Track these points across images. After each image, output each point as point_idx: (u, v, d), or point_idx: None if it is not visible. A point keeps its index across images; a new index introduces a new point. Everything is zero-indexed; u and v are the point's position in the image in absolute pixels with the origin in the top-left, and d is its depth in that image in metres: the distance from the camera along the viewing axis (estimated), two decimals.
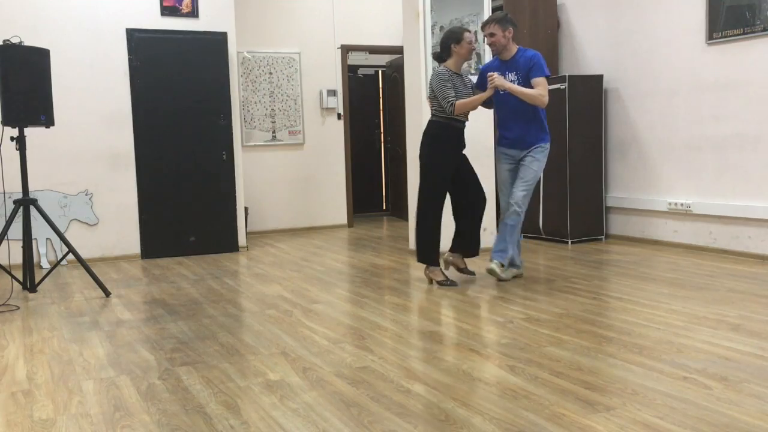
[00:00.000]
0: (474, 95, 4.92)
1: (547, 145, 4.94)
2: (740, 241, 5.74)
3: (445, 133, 4.87)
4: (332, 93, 8.50)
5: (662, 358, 3.16)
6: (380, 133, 10.32)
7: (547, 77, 4.79)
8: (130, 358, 3.48)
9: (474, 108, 4.88)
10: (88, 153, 6.58)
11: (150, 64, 6.68)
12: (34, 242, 6.40)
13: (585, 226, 6.78)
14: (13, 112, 4.77)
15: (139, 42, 6.65)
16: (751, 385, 2.79)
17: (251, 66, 8.16)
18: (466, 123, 5.01)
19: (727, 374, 2.93)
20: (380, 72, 10.26)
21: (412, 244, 6.47)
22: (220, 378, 3.11)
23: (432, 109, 4.92)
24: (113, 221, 6.69)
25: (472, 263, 5.50)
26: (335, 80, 8.59)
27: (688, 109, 6.13)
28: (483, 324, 3.89)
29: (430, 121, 4.94)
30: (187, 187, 6.83)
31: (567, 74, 6.67)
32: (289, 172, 8.43)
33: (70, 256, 6.49)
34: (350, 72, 9.74)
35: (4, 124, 4.78)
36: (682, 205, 6.21)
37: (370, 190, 10.30)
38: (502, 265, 4.90)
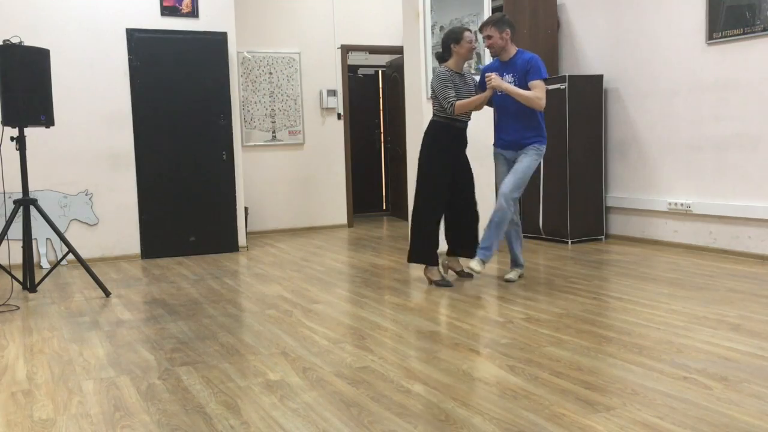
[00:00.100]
0: (476, 95, 4.93)
1: (543, 148, 4.91)
2: (740, 241, 5.75)
3: (446, 134, 4.89)
4: (332, 93, 8.50)
5: (662, 358, 3.16)
6: (380, 133, 10.32)
7: (544, 80, 4.78)
8: (130, 358, 3.48)
9: (474, 108, 4.89)
10: (88, 153, 6.58)
11: (150, 64, 6.68)
12: (34, 242, 6.40)
13: (585, 226, 6.78)
14: (13, 112, 4.77)
15: (139, 42, 6.65)
16: (751, 385, 2.79)
17: (251, 66, 8.16)
18: (468, 122, 5.02)
19: (727, 374, 2.93)
20: (380, 72, 10.26)
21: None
22: (220, 378, 3.11)
23: (433, 109, 4.95)
24: (113, 221, 6.69)
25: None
26: (335, 80, 8.59)
27: (688, 109, 6.13)
28: (483, 324, 3.89)
29: (431, 122, 4.96)
30: (187, 187, 6.83)
31: (567, 74, 6.67)
32: (289, 172, 8.43)
33: (70, 256, 6.49)
34: (350, 72, 9.75)
35: (4, 124, 4.78)
36: (682, 205, 6.21)
37: (370, 190, 10.30)
38: (483, 263, 4.87)
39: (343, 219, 8.74)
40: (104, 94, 6.60)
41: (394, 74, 9.43)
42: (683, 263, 5.52)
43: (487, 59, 6.04)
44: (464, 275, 5.20)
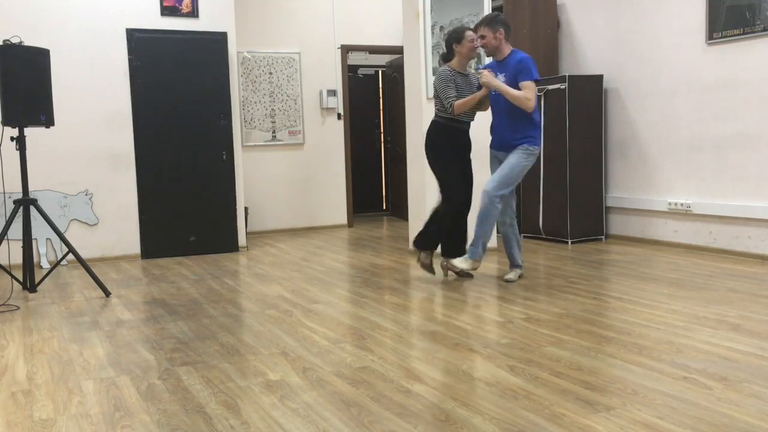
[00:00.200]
0: None
1: (533, 149, 4.82)
2: (740, 241, 5.75)
3: (446, 134, 4.93)
4: (332, 93, 8.50)
5: (662, 358, 3.16)
6: (380, 133, 10.32)
7: (535, 81, 4.74)
8: (130, 358, 3.48)
9: (473, 108, 4.90)
10: (88, 153, 6.58)
11: (150, 64, 6.68)
12: (34, 242, 6.40)
13: (585, 226, 6.78)
14: (13, 112, 4.77)
15: (139, 42, 6.65)
16: (751, 385, 2.79)
17: (251, 66, 8.16)
18: (470, 124, 5.04)
19: (727, 374, 2.93)
20: (380, 72, 10.26)
21: (412, 244, 6.47)
22: (220, 378, 3.11)
23: (435, 109, 5.00)
24: (113, 221, 6.69)
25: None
26: (335, 80, 8.59)
27: (688, 109, 6.14)
28: (483, 324, 3.89)
29: (432, 122, 5.02)
30: (187, 187, 6.84)
31: (567, 74, 6.67)
32: (289, 172, 8.43)
33: (70, 256, 6.49)
34: (350, 72, 9.75)
35: (4, 124, 4.78)
36: (682, 205, 6.21)
37: (370, 190, 10.31)
38: (472, 261, 4.87)
39: (343, 219, 8.74)
40: (104, 94, 6.61)
41: (394, 74, 9.43)
42: (683, 263, 5.52)
43: (488, 59, 6.04)
44: (464, 275, 5.20)
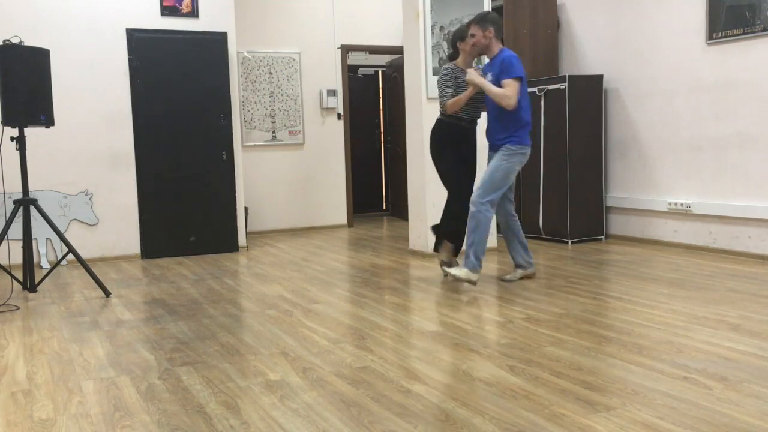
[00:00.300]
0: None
1: (515, 148, 4.74)
2: (740, 241, 5.75)
3: (449, 132, 4.97)
4: (332, 93, 8.50)
5: (662, 358, 3.16)
6: (380, 133, 10.32)
7: (518, 79, 4.65)
8: (130, 358, 3.48)
9: (462, 105, 4.89)
10: (88, 153, 6.58)
11: (150, 64, 6.68)
12: (34, 242, 6.40)
13: (585, 226, 6.78)
14: (13, 112, 4.77)
15: (139, 42, 6.65)
16: (751, 385, 2.79)
17: (251, 66, 8.16)
18: (474, 122, 5.06)
19: (727, 374, 2.93)
20: (380, 72, 10.26)
21: (412, 244, 6.48)
22: (220, 378, 3.11)
23: (439, 108, 5.07)
24: (113, 221, 6.69)
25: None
26: (335, 80, 8.59)
27: (688, 109, 6.14)
28: (483, 324, 3.89)
29: (436, 120, 5.12)
30: (187, 187, 6.84)
31: (567, 74, 6.67)
32: (289, 172, 8.43)
33: (70, 256, 6.49)
34: (350, 72, 9.75)
35: (4, 124, 4.78)
36: (682, 205, 6.21)
37: (370, 190, 10.31)
38: (469, 271, 4.73)
39: (343, 219, 8.74)
40: (104, 94, 6.61)
41: (394, 74, 9.43)
42: (683, 263, 5.52)
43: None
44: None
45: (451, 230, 5.11)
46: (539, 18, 7.27)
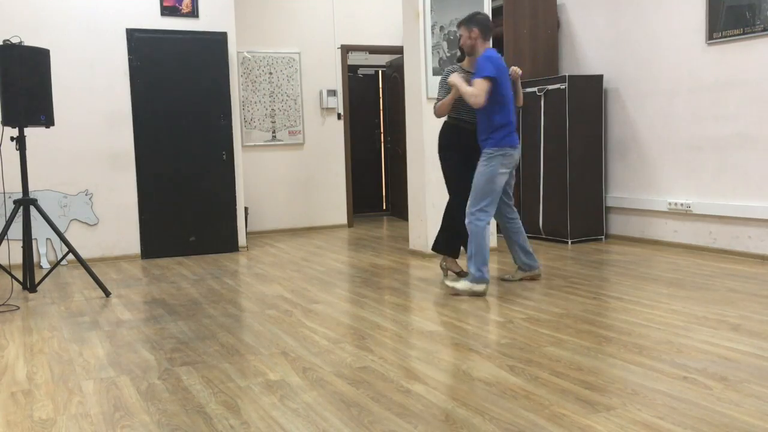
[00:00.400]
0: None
1: (491, 151, 4.59)
2: (740, 241, 5.75)
3: (454, 133, 4.98)
4: (332, 93, 8.50)
5: (662, 358, 3.16)
6: (380, 133, 10.32)
7: (487, 78, 4.51)
8: (130, 358, 3.48)
9: (447, 108, 4.86)
10: (88, 153, 6.58)
11: (150, 64, 6.68)
12: (34, 242, 6.40)
13: (585, 226, 6.78)
14: (13, 112, 4.77)
15: (139, 42, 6.65)
16: (751, 385, 2.79)
17: (251, 66, 8.16)
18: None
19: (727, 374, 2.93)
20: (380, 72, 10.26)
21: (412, 244, 6.48)
22: (220, 378, 3.11)
23: None
24: (113, 221, 6.69)
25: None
26: (335, 80, 8.59)
27: (688, 109, 6.13)
28: (483, 324, 3.89)
29: (443, 122, 5.12)
30: (187, 187, 6.84)
31: (567, 74, 6.67)
32: (289, 172, 8.43)
33: (70, 256, 6.49)
34: (350, 72, 9.75)
35: (4, 124, 4.78)
36: (682, 205, 6.21)
37: (370, 190, 10.31)
38: (469, 283, 4.62)
39: (343, 219, 8.74)
40: (104, 94, 6.61)
41: (394, 74, 9.43)
42: (683, 263, 5.52)
43: None
44: (464, 275, 5.20)
45: (446, 233, 5.10)
46: (539, 18, 7.27)
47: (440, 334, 3.71)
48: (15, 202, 4.96)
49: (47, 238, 6.47)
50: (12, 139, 4.92)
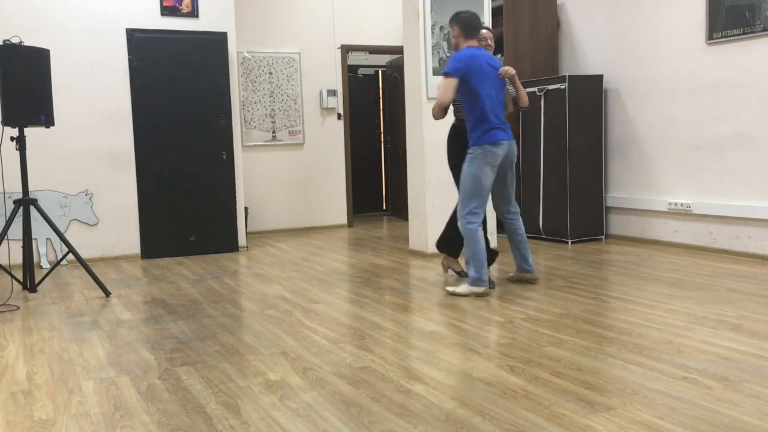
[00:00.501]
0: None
1: (472, 150, 4.54)
2: (740, 241, 5.75)
3: (460, 134, 4.97)
4: (332, 93, 8.50)
5: (662, 358, 3.16)
6: (380, 133, 10.32)
7: (446, 75, 4.45)
8: (130, 358, 3.48)
9: (441, 109, 4.85)
10: (88, 153, 6.58)
11: (150, 64, 6.68)
12: (34, 242, 6.40)
13: (585, 226, 6.78)
14: (13, 112, 4.77)
15: (139, 42, 6.65)
16: (751, 385, 2.79)
17: (251, 66, 8.16)
18: None
19: (727, 374, 2.93)
20: (380, 72, 10.26)
21: (412, 244, 6.48)
22: (220, 378, 3.11)
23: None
24: (113, 221, 6.69)
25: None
26: (335, 80, 8.59)
27: (688, 109, 6.13)
28: (483, 324, 3.89)
29: (452, 124, 5.12)
30: (187, 187, 6.84)
31: (567, 74, 6.67)
32: (289, 172, 8.43)
33: (70, 256, 6.49)
34: (350, 72, 9.75)
35: (4, 124, 4.78)
36: (682, 205, 6.21)
37: (370, 190, 10.31)
38: (468, 286, 4.61)
39: (343, 219, 8.74)
40: (104, 94, 6.61)
41: (394, 74, 9.43)
42: (683, 263, 5.52)
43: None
44: (464, 275, 5.20)
45: (448, 232, 5.13)
46: (539, 18, 7.27)
47: (440, 334, 3.71)
48: (15, 202, 4.96)
49: (47, 238, 6.47)
50: (12, 139, 4.92)
